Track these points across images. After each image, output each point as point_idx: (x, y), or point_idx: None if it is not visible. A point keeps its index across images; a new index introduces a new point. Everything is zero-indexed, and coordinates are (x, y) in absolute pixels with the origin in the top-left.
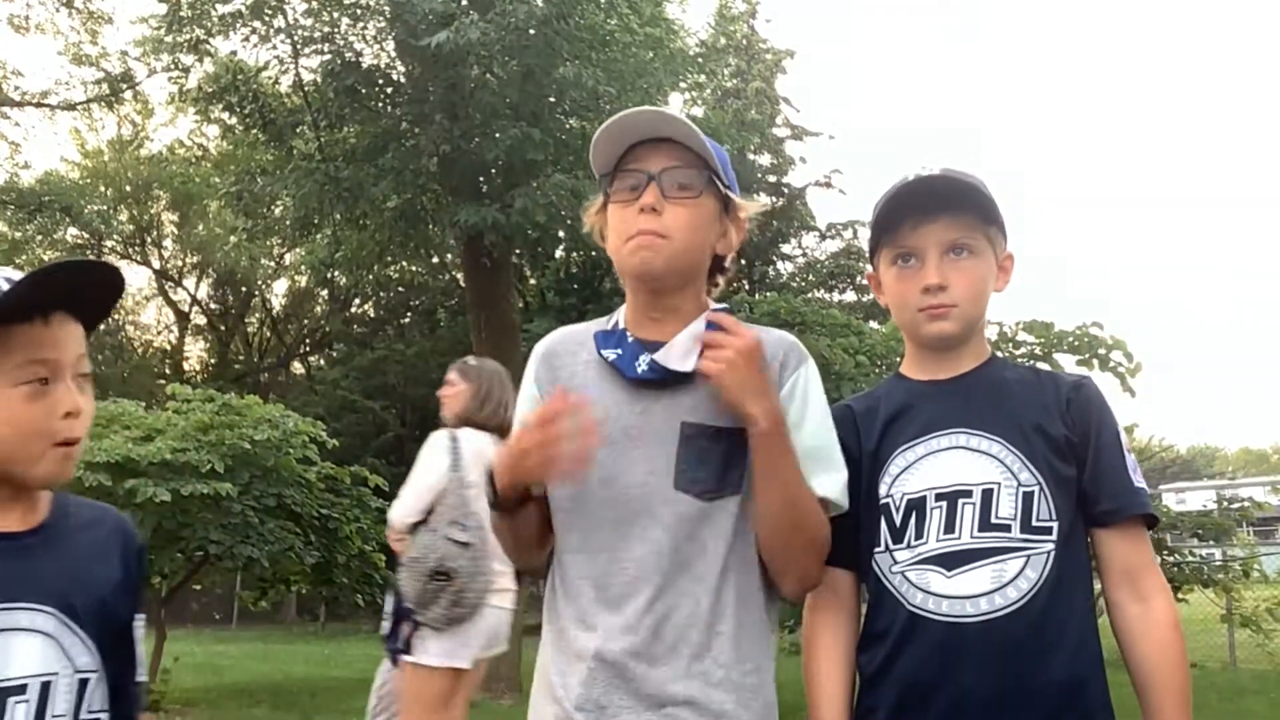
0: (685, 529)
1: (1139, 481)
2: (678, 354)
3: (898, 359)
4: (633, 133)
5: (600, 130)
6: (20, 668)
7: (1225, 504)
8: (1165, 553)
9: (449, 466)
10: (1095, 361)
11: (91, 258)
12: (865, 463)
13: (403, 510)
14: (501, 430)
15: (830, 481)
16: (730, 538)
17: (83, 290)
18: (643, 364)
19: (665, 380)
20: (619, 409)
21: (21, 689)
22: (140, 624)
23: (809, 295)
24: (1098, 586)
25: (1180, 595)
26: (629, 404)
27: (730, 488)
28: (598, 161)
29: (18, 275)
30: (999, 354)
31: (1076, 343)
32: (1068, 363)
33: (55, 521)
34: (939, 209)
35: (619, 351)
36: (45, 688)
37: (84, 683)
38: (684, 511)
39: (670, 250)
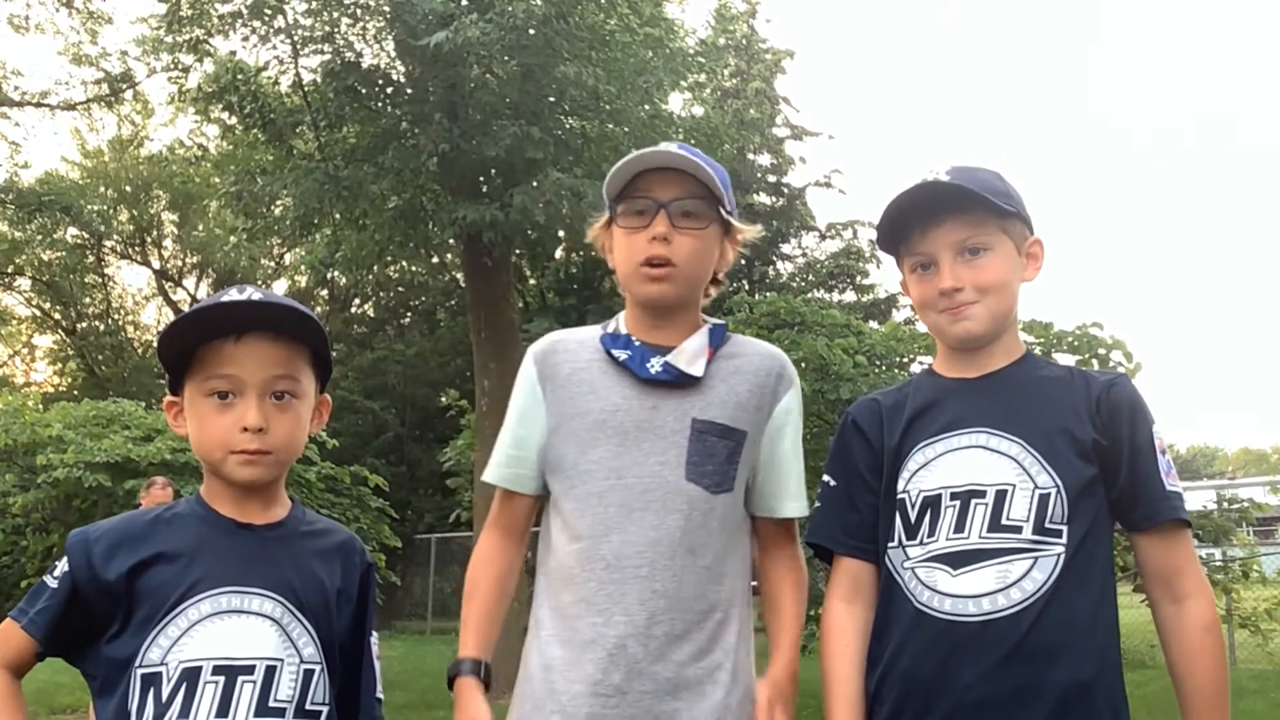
0: (696, 519)
1: (1172, 485)
2: (687, 358)
3: (898, 359)
4: (645, 162)
5: (618, 165)
6: (249, 649)
7: (1225, 504)
8: None
9: None
10: (1095, 362)
11: (261, 299)
12: (887, 458)
13: None
14: None
15: (800, 504)
16: (732, 530)
17: (278, 317)
18: (656, 365)
19: (676, 381)
20: (629, 403)
21: (250, 669)
22: (375, 642)
23: (809, 295)
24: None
25: None
26: (639, 399)
27: (729, 483)
28: (609, 187)
29: (256, 296)
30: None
31: (1076, 343)
32: (1067, 363)
33: (290, 522)
34: (944, 211)
35: (629, 353)
36: (270, 672)
37: (309, 674)
38: (694, 502)
39: (678, 277)
